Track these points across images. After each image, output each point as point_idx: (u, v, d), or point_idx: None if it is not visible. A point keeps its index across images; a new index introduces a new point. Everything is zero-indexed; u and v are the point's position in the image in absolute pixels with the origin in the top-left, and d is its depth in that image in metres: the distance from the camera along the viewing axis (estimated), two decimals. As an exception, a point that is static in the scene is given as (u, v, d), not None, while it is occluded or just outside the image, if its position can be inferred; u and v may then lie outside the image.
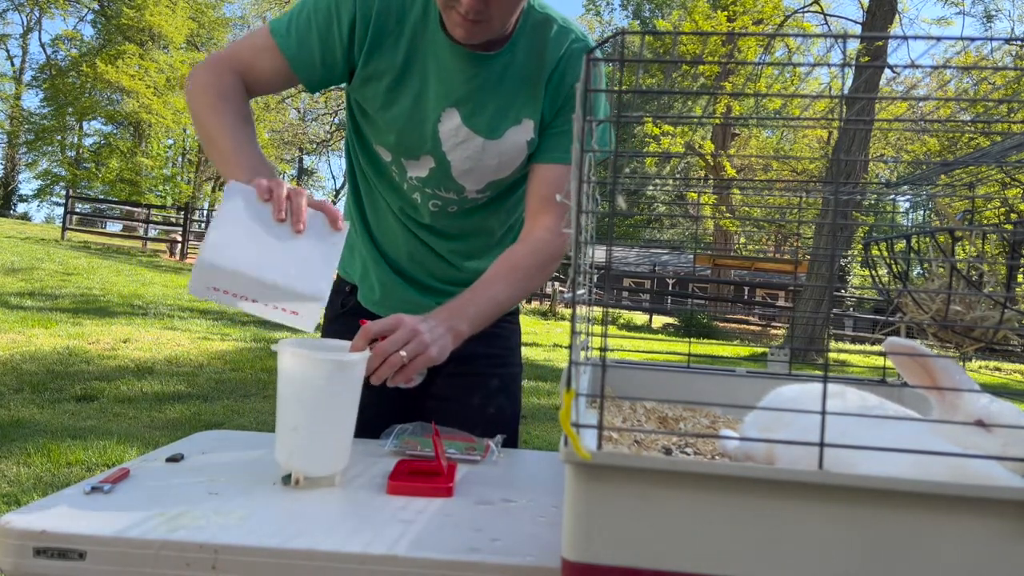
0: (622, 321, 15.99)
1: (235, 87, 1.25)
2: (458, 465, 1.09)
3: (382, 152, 1.35)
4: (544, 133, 1.32)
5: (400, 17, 1.24)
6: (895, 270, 1.03)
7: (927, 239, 0.95)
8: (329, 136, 29.69)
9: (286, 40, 1.25)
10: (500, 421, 1.44)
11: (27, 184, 40.28)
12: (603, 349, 0.71)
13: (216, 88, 1.23)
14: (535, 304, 15.13)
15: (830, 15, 15.51)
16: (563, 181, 1.28)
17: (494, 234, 1.48)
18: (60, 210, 24.81)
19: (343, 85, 1.34)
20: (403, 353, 1.06)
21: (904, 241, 1.00)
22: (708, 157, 23.58)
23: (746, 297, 24.70)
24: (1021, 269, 0.98)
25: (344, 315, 1.46)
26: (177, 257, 16.41)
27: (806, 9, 15.44)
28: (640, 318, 17.38)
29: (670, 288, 23.75)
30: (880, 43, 11.46)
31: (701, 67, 16.98)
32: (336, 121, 29.19)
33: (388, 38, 1.24)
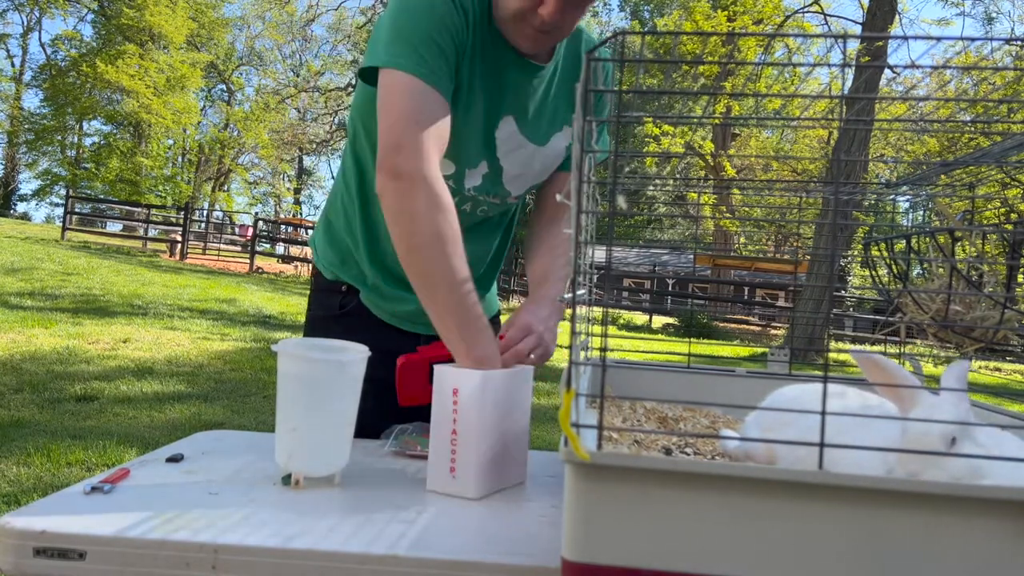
0: (622, 321, 15.98)
1: (448, 202, 1.11)
2: None
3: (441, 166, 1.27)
4: None
5: (465, 28, 1.18)
6: (895, 270, 1.03)
7: (927, 239, 0.95)
8: (329, 136, 29.65)
9: (420, 68, 1.11)
10: None
11: (27, 184, 40.19)
12: (603, 349, 0.71)
13: (441, 229, 1.08)
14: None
15: (830, 15, 15.50)
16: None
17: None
18: (60, 210, 24.85)
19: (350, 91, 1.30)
20: (532, 356, 1.18)
21: (904, 241, 1.00)
22: (708, 157, 23.58)
23: (746, 297, 24.69)
24: (1021, 269, 0.98)
25: (343, 316, 1.45)
26: (177, 257, 16.40)
27: (806, 9, 15.43)
28: (640, 318, 17.37)
29: (670, 288, 23.73)
30: (880, 43, 11.44)
31: (701, 67, 16.97)
32: (336, 121, 29.16)
33: (463, 49, 1.19)
